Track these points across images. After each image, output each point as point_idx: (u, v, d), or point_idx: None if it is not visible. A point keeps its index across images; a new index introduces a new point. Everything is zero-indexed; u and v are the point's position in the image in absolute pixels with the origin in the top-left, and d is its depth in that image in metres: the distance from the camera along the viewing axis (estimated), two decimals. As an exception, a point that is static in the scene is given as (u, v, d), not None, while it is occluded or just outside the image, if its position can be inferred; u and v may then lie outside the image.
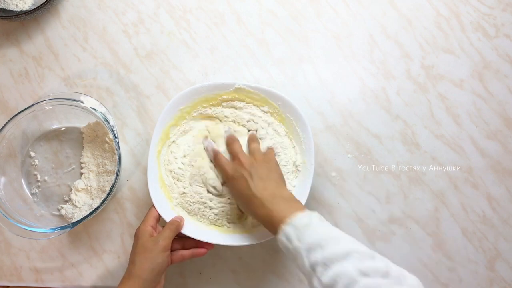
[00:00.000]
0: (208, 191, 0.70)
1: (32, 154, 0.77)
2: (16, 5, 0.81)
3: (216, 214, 0.70)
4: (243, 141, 0.71)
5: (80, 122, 0.77)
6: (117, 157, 0.69)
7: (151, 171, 0.69)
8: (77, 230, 0.75)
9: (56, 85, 0.80)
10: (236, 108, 0.73)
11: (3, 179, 0.72)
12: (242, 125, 0.73)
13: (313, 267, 0.51)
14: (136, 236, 0.64)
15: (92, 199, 0.74)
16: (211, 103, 0.73)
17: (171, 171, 0.71)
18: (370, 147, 0.76)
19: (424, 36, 0.79)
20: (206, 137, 0.72)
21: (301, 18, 0.80)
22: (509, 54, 0.78)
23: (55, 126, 0.77)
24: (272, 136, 0.72)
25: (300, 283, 0.73)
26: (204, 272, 0.74)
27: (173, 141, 0.73)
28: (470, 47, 0.78)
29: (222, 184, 0.70)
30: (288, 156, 0.71)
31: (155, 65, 0.80)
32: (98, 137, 0.76)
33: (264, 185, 0.61)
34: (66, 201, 0.76)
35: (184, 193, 0.70)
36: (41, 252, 0.76)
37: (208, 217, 0.70)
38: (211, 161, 0.71)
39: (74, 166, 0.77)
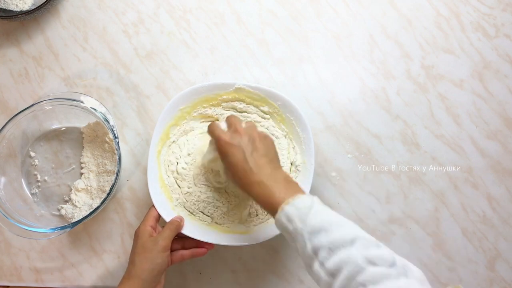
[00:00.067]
0: (213, 187, 0.70)
1: (32, 154, 0.77)
2: (16, 5, 0.81)
3: (224, 213, 0.70)
4: None
5: (80, 122, 0.77)
6: (117, 157, 0.69)
7: (151, 171, 0.69)
8: (77, 230, 0.75)
9: (56, 85, 0.80)
10: (236, 109, 0.73)
11: (3, 179, 0.72)
12: None
13: (315, 251, 0.49)
14: (136, 236, 0.64)
15: (92, 199, 0.74)
16: (211, 103, 0.73)
17: (173, 172, 0.71)
18: (370, 147, 0.76)
19: (424, 36, 0.79)
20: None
21: (301, 18, 0.80)
22: (509, 54, 0.78)
23: (55, 126, 0.77)
24: None
25: (300, 283, 0.73)
26: (204, 272, 0.74)
27: (173, 141, 0.73)
28: (470, 47, 0.78)
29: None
30: (285, 157, 0.71)
31: (155, 65, 0.80)
32: (98, 137, 0.76)
33: (262, 161, 0.58)
34: (66, 201, 0.76)
35: (188, 192, 0.71)
36: (41, 252, 0.76)
37: (211, 216, 0.70)
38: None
39: (74, 166, 0.77)
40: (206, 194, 0.70)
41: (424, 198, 0.74)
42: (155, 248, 0.61)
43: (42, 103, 0.70)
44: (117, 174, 0.68)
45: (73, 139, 0.77)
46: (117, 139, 0.69)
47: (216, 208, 0.70)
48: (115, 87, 0.79)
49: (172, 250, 0.65)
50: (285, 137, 0.73)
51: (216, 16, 0.81)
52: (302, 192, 0.55)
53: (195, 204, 0.70)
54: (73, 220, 0.72)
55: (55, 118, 0.77)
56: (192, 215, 0.70)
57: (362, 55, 0.79)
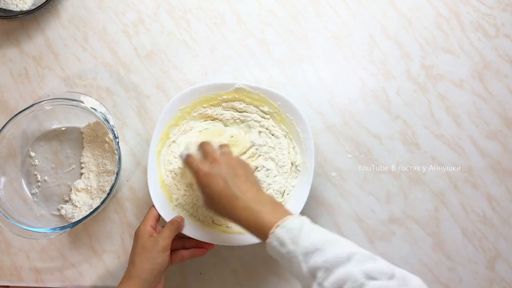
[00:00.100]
0: None
1: (32, 154, 0.77)
2: (16, 5, 0.81)
3: (214, 215, 0.70)
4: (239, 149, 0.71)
5: (80, 122, 0.77)
6: (117, 157, 0.69)
7: (151, 171, 0.69)
8: (77, 230, 0.75)
9: (56, 85, 0.80)
10: (236, 109, 0.73)
11: (3, 179, 0.72)
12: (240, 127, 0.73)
13: (312, 272, 0.48)
14: (136, 236, 0.64)
15: (92, 199, 0.74)
16: (211, 103, 0.73)
17: (171, 171, 0.71)
18: (370, 147, 0.76)
19: (424, 36, 0.79)
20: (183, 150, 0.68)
21: (301, 18, 0.80)
22: (509, 54, 0.78)
23: (55, 126, 0.77)
24: (268, 136, 0.72)
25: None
26: (204, 272, 0.74)
27: (173, 141, 0.73)
28: (470, 47, 0.78)
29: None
30: (286, 157, 0.71)
31: (155, 65, 0.80)
32: (98, 137, 0.76)
33: (246, 185, 0.57)
34: (66, 201, 0.76)
35: (185, 195, 0.71)
36: (41, 252, 0.76)
37: (210, 217, 0.70)
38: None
39: (74, 166, 0.77)
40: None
41: (424, 198, 0.74)
42: (155, 248, 0.61)
43: (42, 103, 0.70)
44: (117, 174, 0.68)
45: (73, 139, 0.77)
46: (117, 139, 0.69)
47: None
48: (115, 87, 0.79)
49: (172, 250, 0.65)
50: (285, 137, 0.73)
51: (216, 16, 0.81)
52: (290, 213, 0.54)
53: (193, 208, 0.70)
54: (73, 220, 0.72)
55: (55, 118, 0.77)
56: (192, 215, 0.70)
57: (362, 55, 0.79)
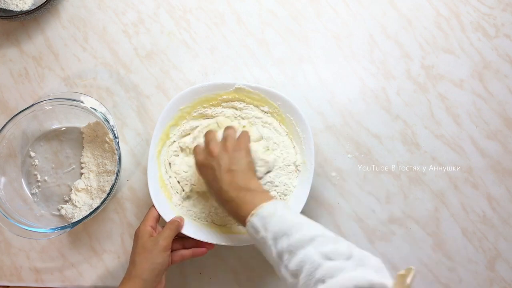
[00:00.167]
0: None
1: (32, 154, 0.77)
2: (16, 5, 0.81)
3: (223, 214, 0.70)
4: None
5: (80, 122, 0.77)
6: (117, 157, 0.69)
7: (151, 171, 0.69)
8: (77, 230, 0.75)
9: (56, 85, 0.80)
10: (236, 109, 0.73)
11: (3, 179, 0.72)
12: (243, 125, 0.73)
13: (280, 255, 0.51)
14: (136, 237, 0.64)
15: (92, 199, 0.74)
16: (211, 103, 0.73)
17: (175, 172, 0.71)
18: (370, 147, 0.76)
19: (424, 36, 0.79)
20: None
21: (301, 18, 0.80)
22: (509, 54, 0.78)
23: (55, 126, 0.77)
24: (272, 132, 0.72)
25: None
26: (204, 272, 0.74)
27: (173, 141, 0.73)
28: (470, 47, 0.78)
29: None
30: (290, 156, 0.71)
31: (155, 65, 0.80)
32: (98, 137, 0.76)
33: (231, 177, 0.59)
34: (66, 201, 0.76)
35: (189, 196, 0.71)
36: (41, 252, 0.76)
37: (210, 217, 0.70)
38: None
39: (74, 166, 0.77)
40: (201, 203, 0.71)
41: (424, 198, 0.74)
42: (155, 248, 0.61)
43: (42, 103, 0.70)
44: (117, 174, 0.68)
45: (73, 139, 0.77)
46: (117, 139, 0.69)
47: (215, 209, 0.70)
48: (115, 87, 0.79)
49: (172, 250, 0.65)
50: (286, 136, 0.72)
51: (216, 16, 0.81)
52: (267, 199, 0.56)
53: (191, 210, 0.70)
54: (73, 220, 0.72)
55: (55, 118, 0.77)
56: (192, 215, 0.70)
57: (362, 55, 0.79)
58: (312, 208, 0.74)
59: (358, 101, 0.77)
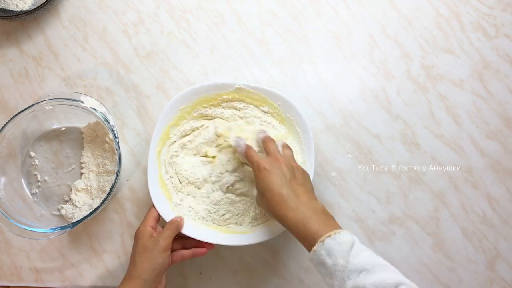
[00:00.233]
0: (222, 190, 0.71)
1: (32, 154, 0.77)
2: (16, 5, 0.81)
3: (222, 215, 0.70)
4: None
5: (80, 122, 0.77)
6: (117, 157, 0.69)
7: (151, 171, 0.69)
8: (77, 230, 0.75)
9: (56, 85, 0.80)
10: (236, 109, 0.73)
11: (3, 179, 0.72)
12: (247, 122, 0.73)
13: None
14: (136, 237, 0.64)
15: (92, 199, 0.74)
16: (211, 103, 0.73)
17: (176, 173, 0.71)
18: (370, 147, 0.76)
19: (424, 36, 0.79)
20: (238, 136, 0.69)
21: (301, 18, 0.80)
22: (509, 54, 0.78)
23: (55, 126, 0.77)
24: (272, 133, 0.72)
25: (300, 283, 0.73)
26: (204, 272, 0.74)
27: (173, 141, 0.73)
28: (470, 47, 0.78)
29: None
30: (297, 155, 0.71)
31: (155, 65, 0.80)
32: (98, 137, 0.76)
33: (300, 190, 0.58)
34: (66, 201, 0.76)
35: (189, 194, 0.71)
36: (41, 252, 0.76)
37: (210, 217, 0.70)
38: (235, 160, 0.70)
39: (74, 166, 0.77)
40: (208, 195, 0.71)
41: (424, 198, 0.74)
42: (155, 248, 0.61)
43: (42, 103, 0.70)
44: (117, 174, 0.68)
45: (73, 139, 0.77)
46: (117, 139, 0.69)
47: (217, 210, 0.70)
48: (115, 87, 0.79)
49: (172, 250, 0.65)
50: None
51: (216, 16, 0.81)
52: (340, 226, 0.54)
53: (191, 209, 0.70)
54: (73, 220, 0.72)
55: (55, 118, 0.77)
56: (192, 215, 0.70)
57: (362, 55, 0.79)
58: (312, 208, 0.74)
59: (358, 101, 0.77)
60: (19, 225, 0.67)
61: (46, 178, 0.76)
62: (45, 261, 0.76)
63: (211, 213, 0.70)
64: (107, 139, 0.74)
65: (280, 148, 0.64)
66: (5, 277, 0.76)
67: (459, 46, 0.78)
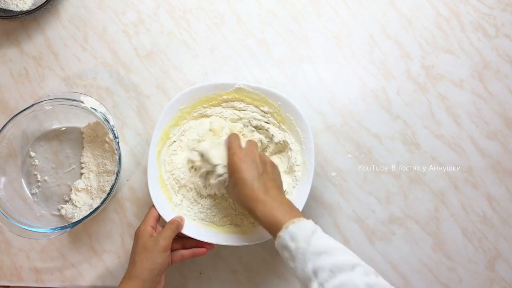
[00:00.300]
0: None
1: (32, 154, 0.77)
2: (16, 5, 0.81)
3: (222, 216, 0.70)
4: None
5: (80, 122, 0.77)
6: (117, 157, 0.69)
7: (151, 171, 0.69)
8: (77, 230, 0.75)
9: (56, 85, 0.80)
10: (236, 109, 0.73)
11: (3, 179, 0.72)
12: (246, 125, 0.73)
13: (315, 271, 0.50)
14: (136, 236, 0.64)
15: (92, 199, 0.74)
16: (211, 103, 0.73)
17: (172, 174, 0.71)
18: (370, 147, 0.76)
19: (424, 36, 0.79)
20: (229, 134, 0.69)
21: (301, 18, 0.80)
22: (509, 54, 0.78)
23: (55, 126, 0.77)
24: (280, 132, 0.72)
25: (300, 283, 0.73)
26: (204, 272, 0.74)
27: (173, 141, 0.73)
28: (470, 47, 0.78)
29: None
30: (296, 155, 0.71)
31: (155, 65, 0.80)
32: (98, 137, 0.76)
33: (270, 184, 0.60)
34: (66, 201, 0.76)
35: (184, 197, 0.71)
36: (41, 252, 0.76)
37: (210, 217, 0.70)
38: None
39: (74, 166, 0.77)
40: (200, 203, 0.71)
41: (424, 198, 0.74)
42: (155, 248, 0.61)
43: (42, 103, 0.70)
44: (117, 174, 0.68)
45: (73, 139, 0.77)
46: (117, 139, 0.69)
47: (211, 212, 0.70)
48: (115, 87, 0.79)
49: (172, 250, 0.65)
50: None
51: (216, 16, 0.81)
52: (305, 217, 0.57)
53: (191, 209, 0.70)
54: (73, 220, 0.72)
55: (55, 118, 0.77)
56: (192, 215, 0.70)
57: (362, 55, 0.79)
58: (312, 208, 0.74)
59: (358, 101, 0.77)
60: (19, 225, 0.67)
61: (46, 178, 0.76)
62: (45, 261, 0.76)
63: (210, 213, 0.70)
64: (107, 139, 0.74)
65: (243, 144, 0.66)
66: (5, 277, 0.76)
67: (459, 46, 0.78)
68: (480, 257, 0.72)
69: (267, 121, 0.73)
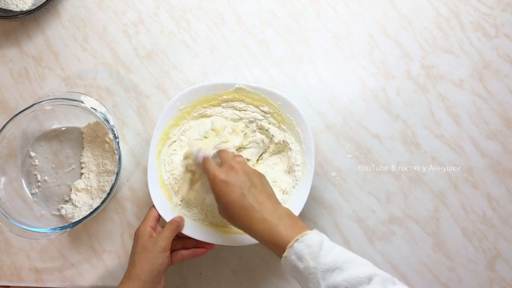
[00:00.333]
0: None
1: (32, 154, 0.77)
2: (16, 5, 0.81)
3: (214, 216, 0.70)
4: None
5: (80, 122, 0.77)
6: (117, 157, 0.69)
7: (151, 171, 0.69)
8: (77, 230, 0.75)
9: (56, 85, 0.80)
10: (236, 109, 0.73)
11: (3, 179, 0.72)
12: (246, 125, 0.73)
13: None
14: (136, 237, 0.64)
15: (92, 199, 0.74)
16: (211, 103, 0.73)
17: (171, 172, 0.71)
18: (370, 147, 0.76)
19: (424, 36, 0.79)
20: (199, 149, 0.65)
21: (301, 18, 0.80)
22: (509, 54, 0.78)
23: (55, 126, 0.77)
24: (280, 132, 0.72)
25: (300, 283, 0.73)
26: (204, 272, 0.74)
27: (173, 141, 0.73)
28: (470, 47, 0.78)
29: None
30: (296, 155, 0.71)
31: (155, 65, 0.80)
32: (98, 137, 0.76)
33: (262, 197, 0.56)
34: (66, 201, 0.76)
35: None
36: (41, 252, 0.76)
37: (210, 217, 0.70)
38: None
39: (74, 166, 0.77)
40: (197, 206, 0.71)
41: (424, 198, 0.74)
42: (155, 248, 0.61)
43: (42, 103, 0.70)
44: (117, 174, 0.68)
45: (73, 139, 0.77)
46: (117, 139, 0.69)
47: (215, 213, 0.70)
48: (115, 87, 0.79)
49: (172, 251, 0.65)
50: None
51: (216, 16, 0.81)
52: (308, 228, 0.53)
53: (191, 210, 0.70)
54: (73, 220, 0.72)
55: (55, 118, 0.77)
56: (192, 215, 0.70)
57: (362, 55, 0.79)
58: (312, 208, 0.74)
59: (358, 101, 0.77)
60: (19, 225, 0.67)
61: (46, 178, 0.76)
62: (45, 261, 0.76)
63: (210, 213, 0.70)
64: (107, 139, 0.74)
65: (232, 157, 0.63)
66: (5, 277, 0.76)
67: (459, 46, 0.78)
68: (480, 257, 0.72)
69: (268, 122, 0.73)
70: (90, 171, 0.76)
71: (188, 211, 0.70)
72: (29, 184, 0.76)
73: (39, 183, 0.76)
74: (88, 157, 0.76)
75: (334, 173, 0.75)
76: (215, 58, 0.80)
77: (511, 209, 0.73)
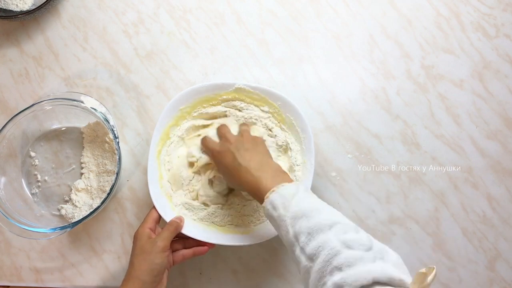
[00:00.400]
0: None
1: (32, 154, 0.77)
2: (16, 5, 0.81)
3: (223, 214, 0.70)
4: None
5: (80, 122, 0.77)
6: (117, 157, 0.69)
7: (151, 171, 0.69)
8: (77, 230, 0.75)
9: (56, 85, 0.80)
10: (237, 109, 0.73)
11: (3, 179, 0.72)
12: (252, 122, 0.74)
13: (296, 236, 0.51)
14: (135, 238, 0.64)
15: (92, 199, 0.74)
16: (211, 103, 0.73)
17: (172, 174, 0.71)
18: (370, 147, 0.76)
19: (424, 36, 0.79)
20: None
21: (301, 18, 0.80)
22: (509, 54, 0.78)
23: (55, 126, 0.77)
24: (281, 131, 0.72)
25: (301, 283, 0.73)
26: (204, 272, 0.74)
27: (173, 141, 0.73)
28: (470, 47, 0.78)
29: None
30: (297, 153, 0.71)
31: (155, 65, 0.80)
32: (98, 137, 0.76)
33: (251, 155, 0.62)
34: (66, 201, 0.76)
35: (186, 195, 0.71)
36: (41, 252, 0.76)
37: (210, 217, 0.70)
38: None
39: (74, 166, 0.77)
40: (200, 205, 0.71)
41: (424, 198, 0.74)
42: (153, 249, 0.61)
43: (42, 103, 0.70)
44: (117, 174, 0.68)
45: (73, 139, 0.77)
46: (117, 139, 0.69)
47: (214, 212, 0.70)
48: (115, 87, 0.79)
49: (173, 251, 0.65)
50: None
51: (216, 16, 0.81)
52: (290, 181, 0.57)
53: (191, 210, 0.70)
54: (73, 220, 0.72)
55: (55, 118, 0.77)
56: (192, 215, 0.70)
57: (362, 55, 0.79)
58: (312, 208, 0.74)
59: (358, 101, 0.77)
60: (19, 225, 0.67)
61: (46, 178, 0.76)
62: (45, 261, 0.76)
63: (211, 213, 0.70)
64: (107, 139, 0.74)
65: (236, 128, 0.70)
66: (5, 277, 0.76)
67: (459, 46, 0.78)
68: (480, 257, 0.72)
69: (270, 121, 0.73)
70: (90, 171, 0.76)
71: (189, 211, 0.70)
72: (29, 184, 0.76)
73: (39, 183, 0.76)
74: (88, 157, 0.76)
75: (334, 173, 0.75)
76: (215, 58, 0.80)
77: (511, 209, 0.73)
